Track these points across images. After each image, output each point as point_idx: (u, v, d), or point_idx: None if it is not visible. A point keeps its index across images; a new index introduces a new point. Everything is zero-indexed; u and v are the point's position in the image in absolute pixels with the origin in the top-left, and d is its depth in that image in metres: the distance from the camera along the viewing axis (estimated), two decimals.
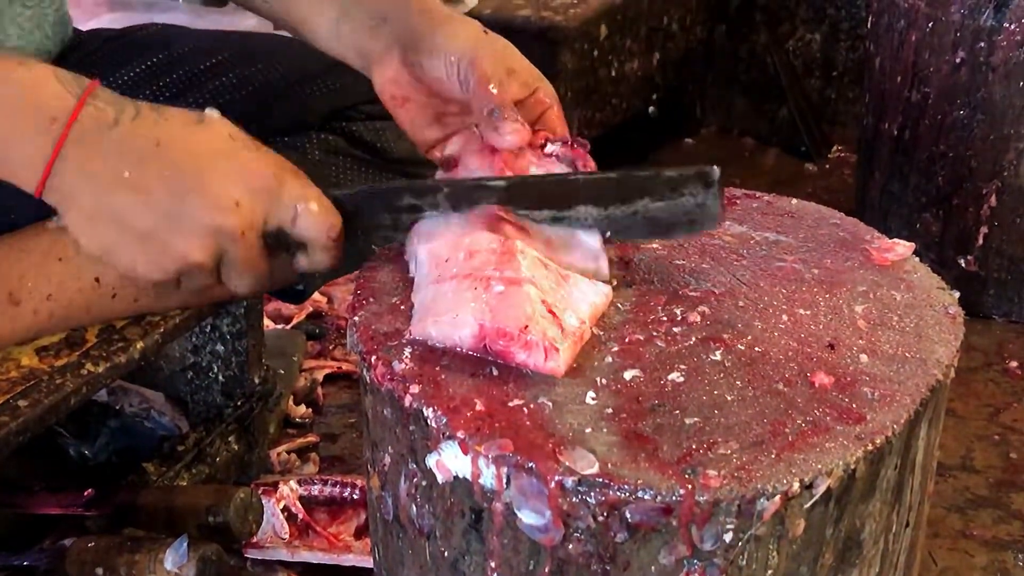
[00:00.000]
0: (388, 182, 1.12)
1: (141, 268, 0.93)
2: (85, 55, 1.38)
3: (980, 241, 2.05)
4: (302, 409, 1.76)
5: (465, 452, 0.82)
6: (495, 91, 1.02)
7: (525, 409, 0.84)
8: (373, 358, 0.90)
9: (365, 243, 0.97)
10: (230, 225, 0.89)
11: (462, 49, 1.05)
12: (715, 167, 0.96)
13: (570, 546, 0.81)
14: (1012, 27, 1.91)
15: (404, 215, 0.97)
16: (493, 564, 0.85)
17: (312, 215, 0.92)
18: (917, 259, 1.06)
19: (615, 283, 1.00)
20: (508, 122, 1.01)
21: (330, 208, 0.94)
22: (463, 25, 1.09)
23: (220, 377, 1.57)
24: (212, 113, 0.93)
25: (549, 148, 1.04)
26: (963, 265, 2.08)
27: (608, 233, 0.98)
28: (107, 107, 0.89)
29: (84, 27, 1.48)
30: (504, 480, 0.81)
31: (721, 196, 0.97)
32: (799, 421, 0.84)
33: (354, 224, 0.96)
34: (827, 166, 2.73)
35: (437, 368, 0.88)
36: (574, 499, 0.79)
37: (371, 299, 0.98)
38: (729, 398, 0.86)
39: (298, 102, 1.34)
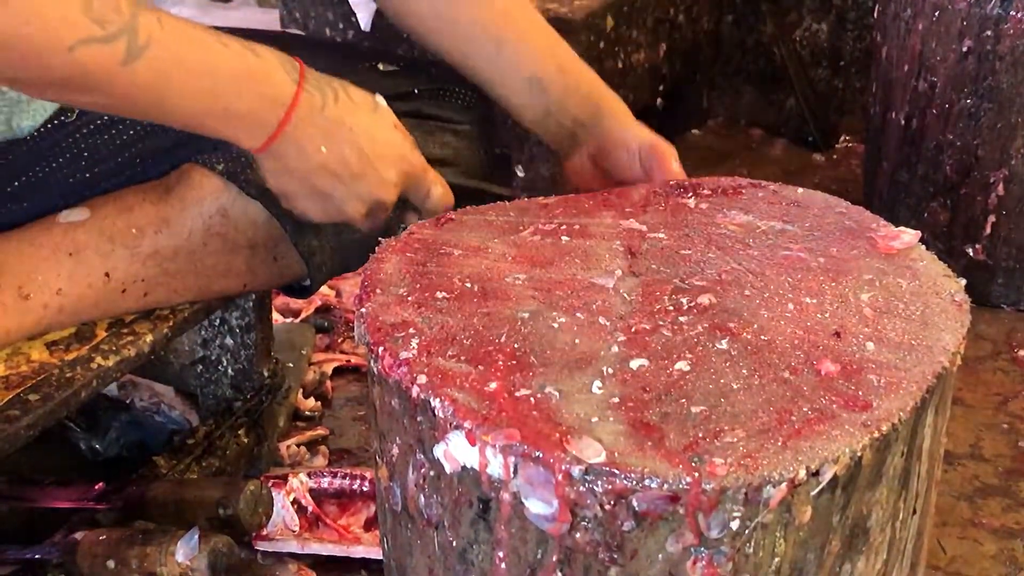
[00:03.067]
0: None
1: (311, 213, 1.13)
2: None
3: (988, 230, 2.05)
4: (311, 402, 1.76)
5: (472, 442, 0.82)
6: (676, 167, 1.26)
7: (532, 399, 0.84)
8: (380, 349, 0.90)
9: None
10: (388, 199, 1.12)
11: (641, 140, 1.29)
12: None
13: (577, 535, 0.81)
14: (1019, 15, 1.90)
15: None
16: (501, 553, 0.85)
17: (439, 195, 1.16)
18: (923, 247, 1.06)
19: (621, 273, 1.00)
20: None
21: (449, 191, 1.17)
22: (631, 118, 1.35)
23: (229, 371, 1.57)
24: (381, 101, 1.13)
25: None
26: (971, 254, 2.07)
27: None
28: (315, 92, 1.07)
29: None
30: (511, 470, 0.81)
31: None
32: (805, 409, 0.84)
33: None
34: (835, 156, 2.73)
35: (444, 358, 0.89)
36: (581, 488, 0.79)
37: (378, 290, 0.98)
38: (735, 386, 0.86)
39: None
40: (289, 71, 1.07)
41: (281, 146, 1.08)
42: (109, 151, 1.28)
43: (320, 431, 1.71)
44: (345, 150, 1.09)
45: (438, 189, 1.16)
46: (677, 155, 1.29)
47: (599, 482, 0.79)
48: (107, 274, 1.17)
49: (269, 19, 2.69)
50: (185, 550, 1.28)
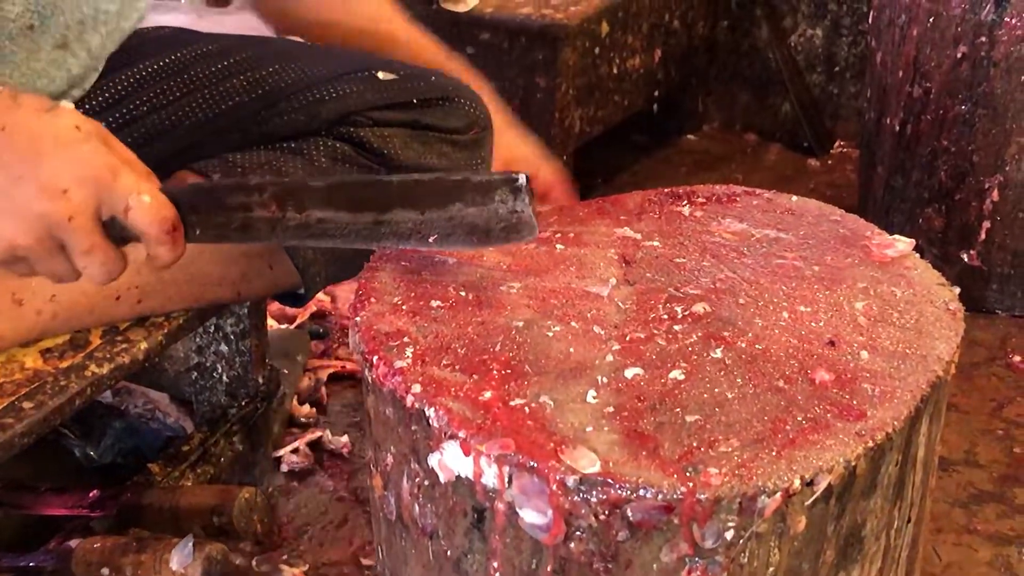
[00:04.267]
0: (219, 180, 1.12)
1: None
2: None
3: (983, 236, 2.05)
4: (306, 409, 1.76)
5: (467, 452, 0.82)
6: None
7: (526, 408, 0.84)
8: (375, 358, 0.90)
9: (202, 237, 0.99)
10: (55, 211, 0.91)
11: (503, 157, 1.17)
12: (523, 174, 0.97)
13: (572, 545, 0.81)
14: (1013, 21, 1.91)
15: (235, 213, 0.98)
16: (496, 563, 0.85)
17: (143, 207, 0.93)
18: (917, 255, 1.06)
19: (615, 282, 1.00)
20: None
21: (164, 202, 0.95)
22: (511, 131, 1.23)
23: (224, 377, 1.57)
24: (66, 104, 0.97)
25: None
26: (966, 260, 2.08)
27: (432, 239, 0.99)
28: None
29: None
30: (506, 479, 0.81)
31: (533, 203, 0.97)
32: (800, 418, 0.84)
33: (190, 219, 0.97)
34: (829, 161, 2.73)
35: (439, 367, 0.89)
36: (575, 498, 0.79)
37: (373, 299, 0.98)
38: (730, 396, 0.86)
39: (306, 107, 1.34)
40: None
41: None
42: None
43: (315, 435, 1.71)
44: None
45: (140, 200, 0.93)
46: (548, 181, 1.18)
47: (593, 492, 0.79)
48: None
49: (263, 27, 2.69)
50: (180, 558, 1.28)
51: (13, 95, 0.93)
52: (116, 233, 0.95)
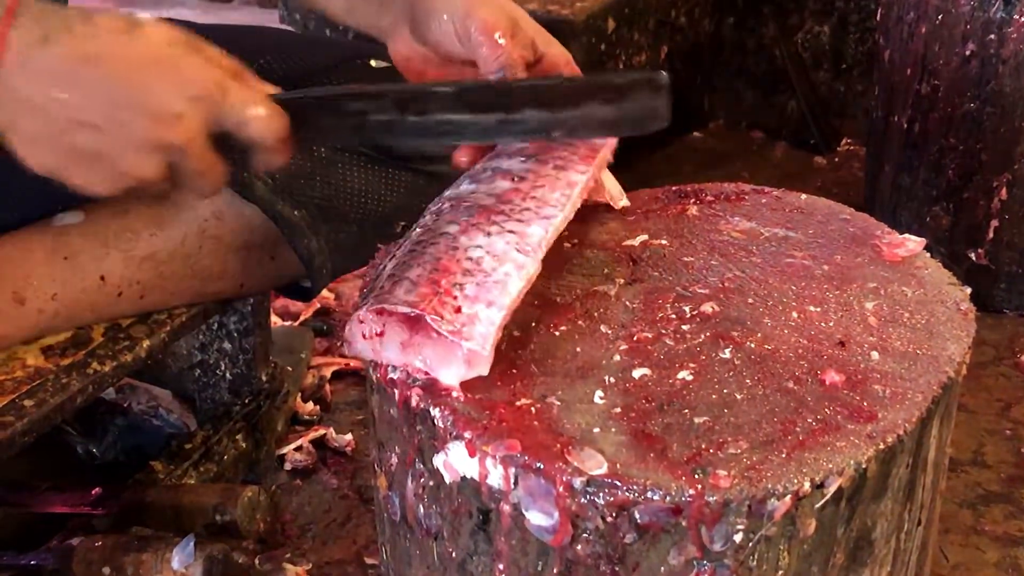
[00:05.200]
0: (336, 87, 1.07)
1: (95, 187, 0.90)
2: None
3: (991, 234, 2.04)
4: (310, 406, 1.75)
5: (472, 453, 0.81)
6: (501, 41, 1.02)
7: (533, 409, 0.83)
8: None
9: (313, 141, 1.00)
10: (173, 139, 0.87)
11: (456, 4, 1.04)
12: (663, 73, 0.96)
13: (579, 547, 0.80)
14: (1022, 19, 1.89)
15: (350, 119, 0.96)
16: (501, 565, 0.84)
17: (257, 119, 0.90)
18: (928, 255, 1.05)
19: (622, 281, 0.99)
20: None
21: (276, 111, 0.91)
22: None
23: (227, 375, 1.56)
24: (147, 18, 0.89)
25: None
26: (973, 259, 2.06)
27: (557, 133, 0.97)
28: (34, 25, 0.84)
29: None
30: (512, 480, 0.80)
31: (670, 99, 0.96)
32: (809, 420, 0.83)
33: (302, 127, 0.94)
34: (836, 159, 2.72)
35: None
36: (583, 500, 0.78)
37: None
38: (739, 397, 0.85)
39: None
40: None
41: (4, 107, 0.86)
42: None
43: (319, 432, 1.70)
44: (96, 89, 0.85)
45: (253, 110, 0.90)
46: (511, 29, 1.04)
47: (601, 494, 0.78)
48: (102, 277, 1.16)
49: (269, 19, 2.69)
50: (181, 557, 1.27)
51: (86, 19, 0.86)
52: (227, 145, 0.92)
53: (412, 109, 0.95)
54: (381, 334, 0.87)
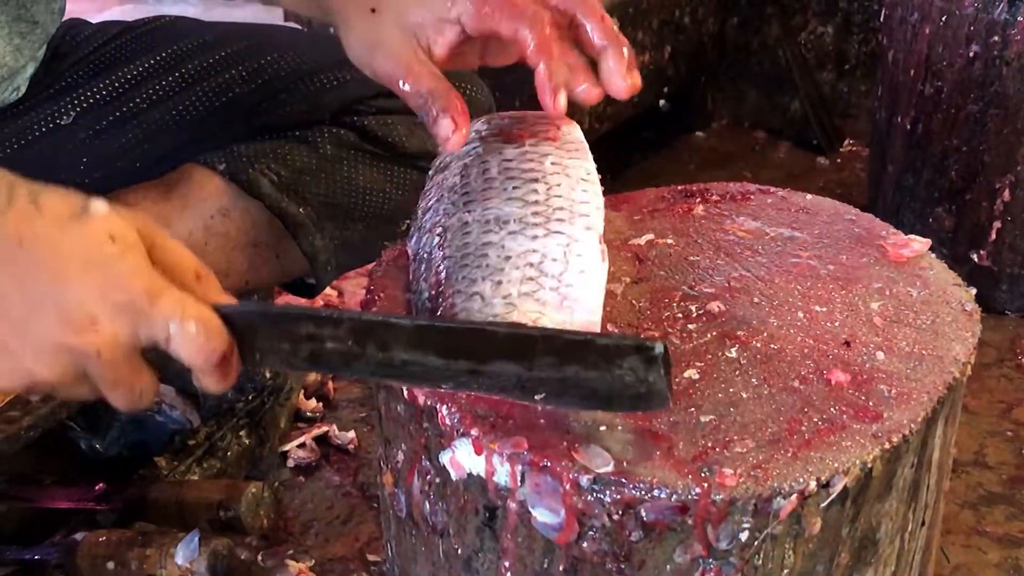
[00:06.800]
0: (286, 307, 0.96)
1: None
2: (94, 50, 1.38)
3: (993, 236, 2.04)
4: (313, 403, 1.75)
5: (479, 450, 0.81)
6: (405, 87, 0.96)
7: (539, 406, 0.83)
8: None
9: (261, 364, 0.86)
10: (81, 345, 0.76)
11: (359, 48, 0.99)
12: (660, 343, 0.77)
13: (584, 544, 0.80)
14: None
15: (303, 344, 0.84)
16: (507, 563, 0.84)
17: (187, 337, 0.78)
18: (933, 255, 1.05)
19: (629, 280, 0.99)
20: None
21: (213, 329, 0.80)
22: None
23: None
24: (98, 207, 0.79)
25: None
26: (976, 260, 2.07)
27: (538, 397, 0.81)
28: None
29: (94, 20, 1.47)
30: (518, 478, 0.80)
31: (668, 374, 0.78)
32: (815, 419, 0.83)
33: (250, 344, 0.83)
34: (839, 160, 2.72)
35: None
36: (589, 497, 0.78)
37: (382, 295, 0.97)
38: (745, 396, 0.85)
39: (308, 95, 1.34)
40: None
41: None
42: (111, 155, 1.28)
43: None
44: (12, 274, 0.76)
45: (184, 329, 0.78)
46: (412, 68, 0.96)
47: (607, 492, 0.78)
48: None
49: (273, 17, 2.68)
50: (185, 552, 1.27)
51: (32, 196, 0.78)
52: (160, 357, 0.81)
53: (372, 342, 0.83)
54: None
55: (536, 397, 0.81)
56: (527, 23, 0.94)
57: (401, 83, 0.95)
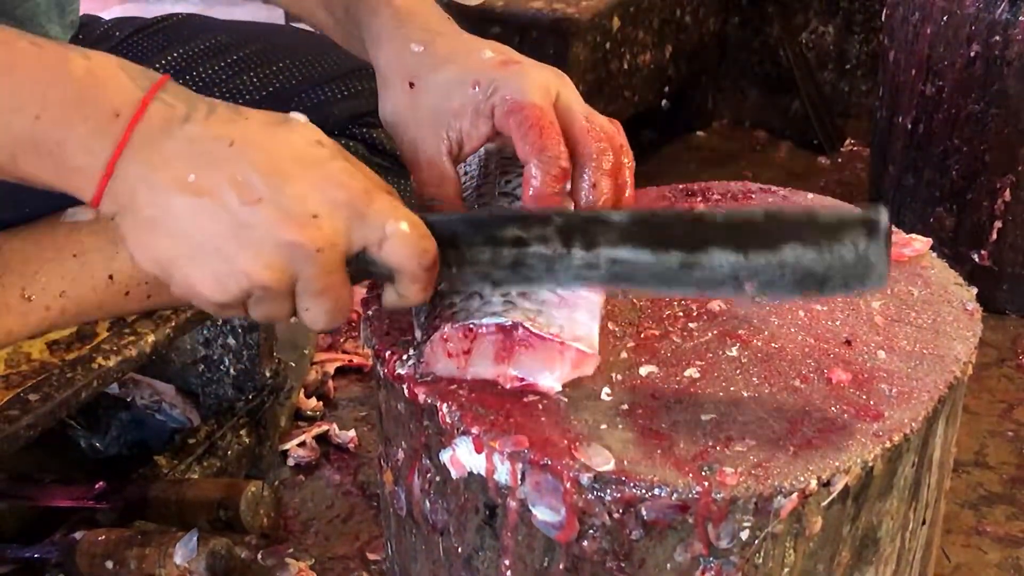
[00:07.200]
0: (489, 209, 0.94)
1: (200, 287, 0.77)
2: (107, 51, 1.37)
3: (994, 236, 2.04)
4: (313, 402, 1.75)
5: (479, 448, 0.81)
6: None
7: (540, 405, 0.83)
8: (387, 353, 0.89)
9: (458, 276, 0.84)
10: (304, 241, 0.75)
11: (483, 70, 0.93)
12: (883, 210, 0.77)
13: (585, 543, 0.80)
14: None
15: (506, 249, 0.82)
16: (507, 561, 0.84)
17: (403, 238, 0.77)
18: (934, 255, 1.05)
19: None
20: None
21: (424, 232, 0.79)
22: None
23: (231, 370, 1.57)
24: (298, 116, 0.81)
25: None
26: (977, 260, 2.06)
27: (749, 286, 0.80)
28: (178, 103, 0.77)
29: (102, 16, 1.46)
30: (519, 476, 0.80)
31: (888, 247, 0.78)
32: (816, 418, 0.83)
33: (448, 254, 0.82)
34: (840, 159, 2.72)
35: None
36: (589, 496, 0.78)
37: None
38: (746, 395, 0.85)
39: (317, 106, 1.33)
40: (137, 77, 0.78)
41: (127, 184, 0.75)
42: None
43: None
44: (226, 174, 0.75)
45: (399, 229, 0.77)
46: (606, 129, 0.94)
47: (608, 490, 0.78)
48: (111, 276, 1.15)
49: (274, 16, 2.69)
50: (184, 552, 1.27)
51: (234, 107, 0.79)
52: (361, 268, 0.79)
53: (579, 240, 0.81)
54: (468, 351, 0.86)
55: (747, 287, 0.80)
56: (537, 159, 0.88)
57: (413, 177, 0.94)
